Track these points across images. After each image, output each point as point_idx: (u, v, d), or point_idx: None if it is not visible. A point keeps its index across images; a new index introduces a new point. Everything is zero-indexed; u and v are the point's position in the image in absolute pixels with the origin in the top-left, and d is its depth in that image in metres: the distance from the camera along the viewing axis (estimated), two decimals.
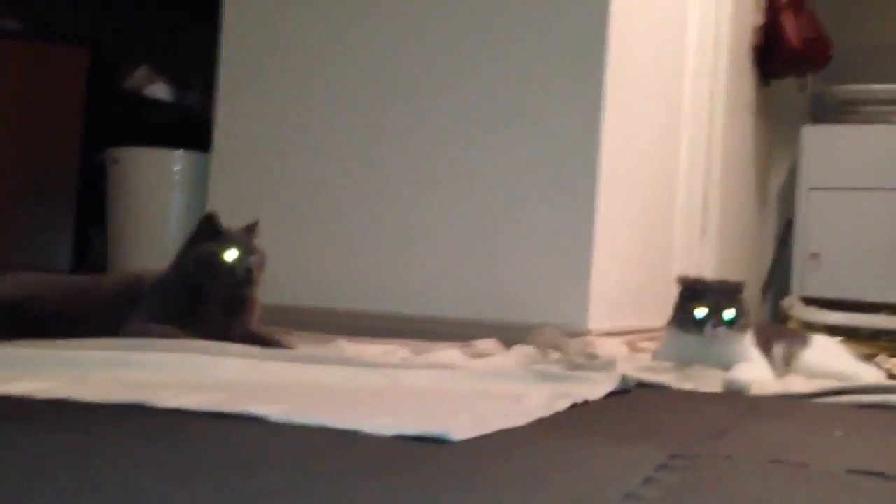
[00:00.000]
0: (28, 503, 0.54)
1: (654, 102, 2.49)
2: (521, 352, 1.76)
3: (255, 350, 1.39)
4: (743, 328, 1.62)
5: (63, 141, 3.10)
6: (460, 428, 0.87)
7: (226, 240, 1.57)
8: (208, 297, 1.56)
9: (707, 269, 2.80)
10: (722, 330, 1.59)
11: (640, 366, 1.61)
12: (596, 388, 1.25)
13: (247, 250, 1.57)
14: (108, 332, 1.48)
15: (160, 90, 3.35)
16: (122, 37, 3.60)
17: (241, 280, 1.56)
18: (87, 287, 1.60)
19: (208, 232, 1.58)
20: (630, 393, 1.33)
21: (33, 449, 0.73)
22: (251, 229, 1.63)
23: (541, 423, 1.01)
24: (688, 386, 1.48)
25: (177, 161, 2.87)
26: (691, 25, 2.74)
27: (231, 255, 1.56)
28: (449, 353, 1.69)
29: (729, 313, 1.60)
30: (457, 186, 2.23)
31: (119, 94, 3.35)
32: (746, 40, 3.14)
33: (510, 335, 1.96)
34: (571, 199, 2.10)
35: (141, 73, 3.37)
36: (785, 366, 1.70)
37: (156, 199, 2.85)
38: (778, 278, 3.92)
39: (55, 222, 3.12)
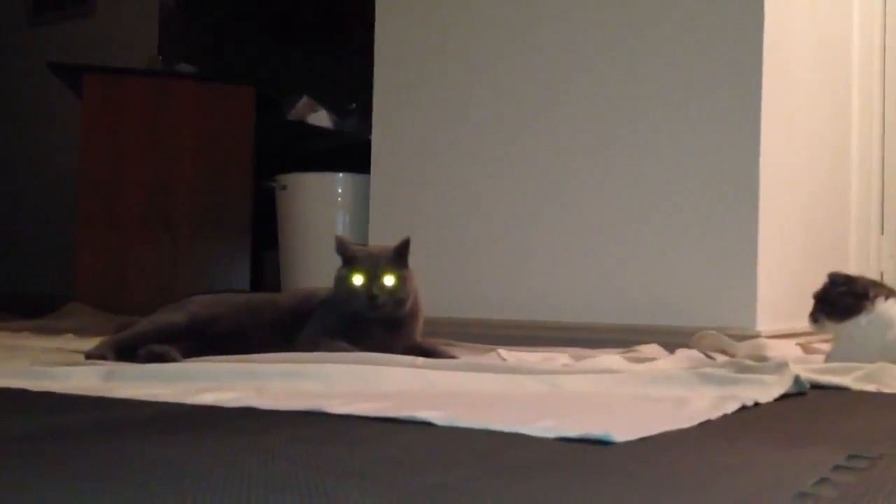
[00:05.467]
0: (223, 501, 0.60)
1: (817, 95, 2.37)
2: (686, 355, 1.72)
3: (420, 360, 1.44)
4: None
5: (236, 172, 3.32)
6: (622, 430, 0.86)
7: (355, 264, 1.60)
8: (362, 317, 1.61)
9: (886, 266, 2.63)
10: None
11: (815, 367, 1.53)
12: (767, 390, 1.20)
13: (374, 274, 1.58)
14: (284, 343, 1.59)
15: (321, 118, 3.53)
16: (283, 71, 3.82)
17: (366, 305, 1.58)
18: (265, 304, 1.71)
19: (344, 256, 1.64)
20: (805, 395, 1.28)
21: (224, 451, 0.80)
22: (402, 248, 1.64)
23: (707, 425, 0.98)
24: (870, 387, 1.39)
25: (339, 183, 3.01)
26: (855, 9, 2.59)
27: (357, 280, 1.59)
28: (610, 359, 1.68)
29: None
30: (616, 192, 2.21)
31: (284, 125, 3.55)
32: None
33: (673, 340, 1.92)
34: (733, 199, 2.04)
35: (303, 103, 3.56)
36: None
37: (322, 221, 3.00)
38: None
39: (233, 248, 3.34)
